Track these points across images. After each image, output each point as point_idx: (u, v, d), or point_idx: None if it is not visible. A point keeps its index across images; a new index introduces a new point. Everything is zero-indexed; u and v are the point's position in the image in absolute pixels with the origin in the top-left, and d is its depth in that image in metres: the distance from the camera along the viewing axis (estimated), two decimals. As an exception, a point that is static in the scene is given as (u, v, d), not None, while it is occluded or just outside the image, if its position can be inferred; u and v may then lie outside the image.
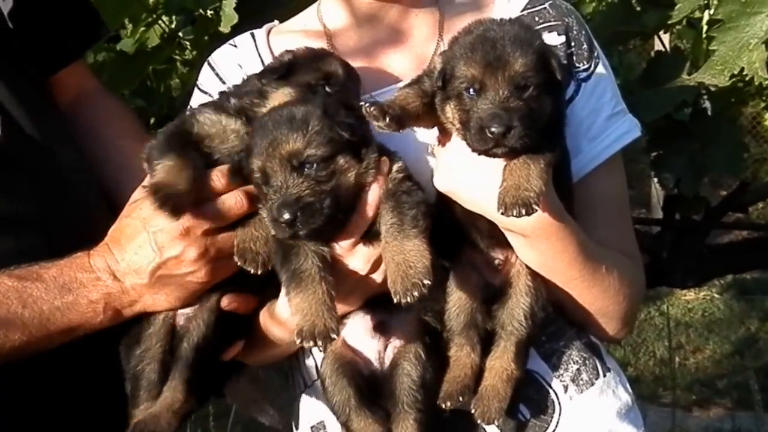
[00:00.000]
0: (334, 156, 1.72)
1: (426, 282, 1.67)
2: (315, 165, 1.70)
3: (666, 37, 3.67)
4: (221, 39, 3.23)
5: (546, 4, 2.12)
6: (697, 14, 3.41)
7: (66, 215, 2.03)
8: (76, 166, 2.19)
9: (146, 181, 1.96)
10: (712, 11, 3.12)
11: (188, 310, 1.97)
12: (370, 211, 1.80)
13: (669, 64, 3.19)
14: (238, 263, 1.85)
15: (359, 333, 1.92)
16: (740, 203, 3.47)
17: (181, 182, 1.79)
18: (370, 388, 1.88)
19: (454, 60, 1.76)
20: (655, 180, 3.52)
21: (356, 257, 1.82)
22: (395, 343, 1.90)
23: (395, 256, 1.72)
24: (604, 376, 2.05)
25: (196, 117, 1.95)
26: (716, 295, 8.68)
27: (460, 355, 1.90)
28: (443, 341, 1.94)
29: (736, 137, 3.17)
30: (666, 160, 3.15)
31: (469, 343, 1.90)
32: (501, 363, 1.87)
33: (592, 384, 2.03)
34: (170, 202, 1.77)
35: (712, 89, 3.09)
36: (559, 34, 2.06)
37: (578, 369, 2.02)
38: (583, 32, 2.11)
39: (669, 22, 3.19)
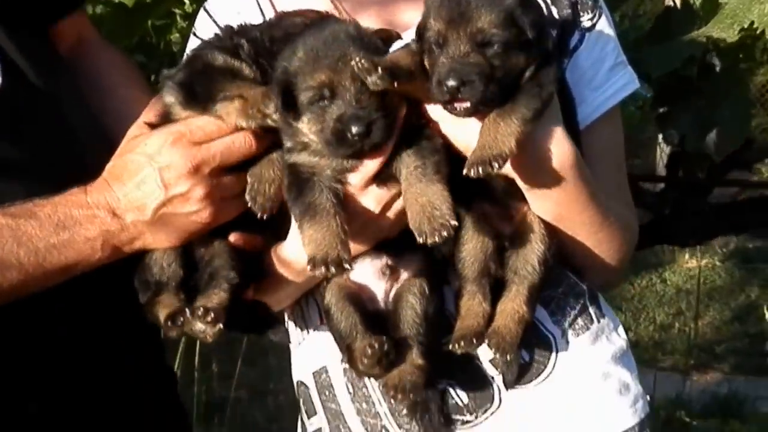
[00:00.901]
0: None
1: (453, 223, 1.68)
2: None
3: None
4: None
5: None
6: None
7: (69, 161, 1.98)
8: (80, 114, 2.16)
9: (143, 119, 1.94)
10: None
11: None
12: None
13: (678, 19, 3.17)
14: (249, 204, 1.83)
15: (367, 275, 1.91)
16: (745, 160, 3.45)
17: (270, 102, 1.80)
18: (375, 324, 1.87)
19: (427, 12, 1.77)
20: (661, 145, 3.49)
21: (368, 196, 1.81)
22: (402, 280, 1.90)
23: (419, 198, 1.72)
24: (599, 321, 2.07)
25: (211, 55, 1.92)
26: (718, 263, 8.70)
27: (472, 304, 1.90)
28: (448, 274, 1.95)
29: (744, 94, 3.16)
30: (672, 117, 3.14)
31: (481, 291, 1.90)
32: (513, 305, 1.88)
33: (588, 329, 2.05)
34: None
35: (721, 45, 3.06)
36: None
37: (575, 315, 2.04)
38: None
39: (679, -25, 3.16)
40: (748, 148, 3.39)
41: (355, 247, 1.84)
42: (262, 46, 1.89)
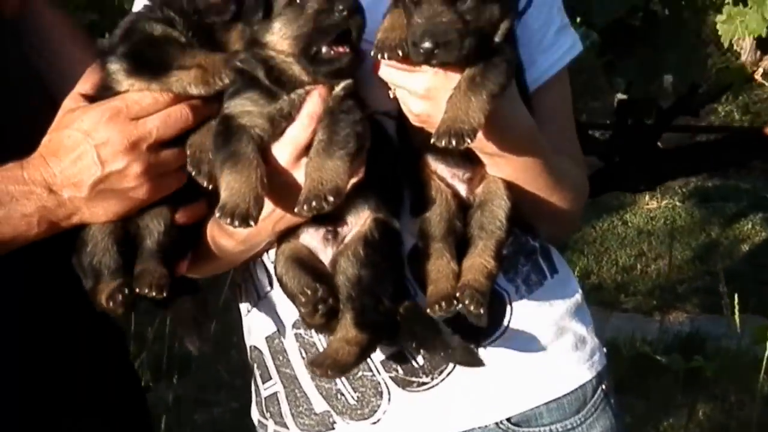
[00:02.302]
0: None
1: (330, 199, 1.69)
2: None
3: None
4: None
5: None
6: None
7: (10, 117, 1.97)
8: (25, 76, 2.14)
9: (79, 90, 1.93)
10: None
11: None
12: (306, 120, 1.81)
13: (621, -34, 3.17)
14: (193, 173, 1.84)
15: (313, 243, 1.92)
16: (691, 106, 3.50)
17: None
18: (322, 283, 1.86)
19: None
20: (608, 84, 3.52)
21: (301, 170, 1.80)
22: (343, 244, 1.90)
23: (313, 172, 1.73)
24: (552, 277, 2.11)
25: (148, 25, 1.91)
26: (678, 203, 8.83)
27: (441, 264, 1.91)
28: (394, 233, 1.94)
29: (688, 41, 3.18)
30: (618, 64, 3.17)
31: (448, 250, 1.91)
32: (481, 261, 1.90)
33: (541, 285, 2.07)
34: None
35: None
36: None
37: (528, 270, 2.07)
38: None
39: None
40: (694, 93, 3.44)
41: (292, 220, 1.87)
42: (189, 18, 1.90)
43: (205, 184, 1.84)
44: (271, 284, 2.08)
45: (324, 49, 1.79)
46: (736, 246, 8.05)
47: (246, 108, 1.81)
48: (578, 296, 2.16)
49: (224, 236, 1.97)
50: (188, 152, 1.86)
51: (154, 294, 1.85)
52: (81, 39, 2.37)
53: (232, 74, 1.82)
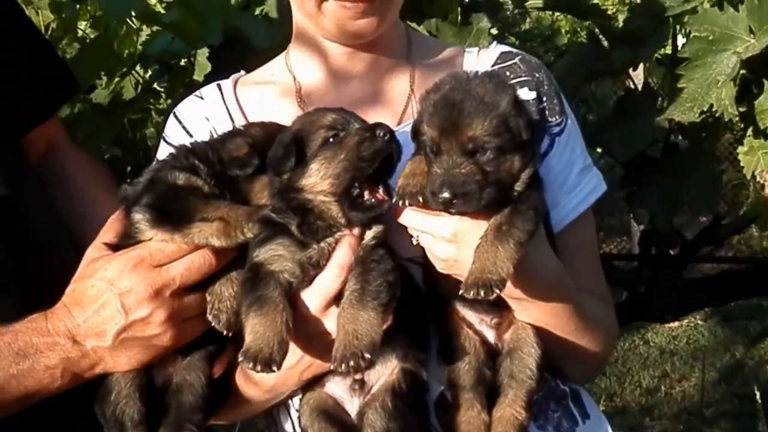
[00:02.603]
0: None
1: (366, 356, 1.68)
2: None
3: (638, 73, 3.72)
4: (196, 87, 3.26)
5: (516, 59, 2.13)
6: (667, 50, 3.46)
7: (42, 276, 2.00)
8: (52, 228, 2.17)
9: (102, 239, 1.94)
10: (679, 49, 3.16)
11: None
12: (337, 271, 1.80)
13: (639, 101, 3.24)
14: (212, 323, 1.83)
15: (339, 391, 1.90)
16: (716, 237, 3.50)
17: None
18: None
19: (421, 116, 1.80)
20: (631, 215, 3.54)
21: (330, 319, 1.81)
22: (370, 394, 1.89)
23: (346, 324, 1.73)
24: (584, 422, 2.08)
25: (171, 175, 1.94)
26: (700, 322, 8.70)
27: (471, 414, 1.89)
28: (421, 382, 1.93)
29: (710, 171, 3.20)
30: (640, 196, 3.18)
31: (479, 400, 1.90)
32: (512, 411, 1.88)
33: (573, 431, 2.04)
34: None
35: (684, 124, 3.13)
36: (530, 90, 2.08)
37: (559, 417, 2.05)
38: (553, 86, 2.13)
39: (636, 59, 3.24)
40: (717, 226, 3.44)
41: (319, 368, 1.85)
42: (213, 168, 1.94)
43: (224, 333, 1.84)
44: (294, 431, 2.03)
45: (366, 195, 1.81)
46: (761, 367, 7.85)
47: (277, 253, 1.81)
48: None
49: (250, 385, 1.94)
50: (208, 301, 1.86)
51: None
52: (103, 180, 2.41)
53: (255, 228, 1.83)
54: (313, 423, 1.87)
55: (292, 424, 2.04)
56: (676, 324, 8.60)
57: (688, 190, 3.13)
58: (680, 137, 3.32)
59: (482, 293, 1.68)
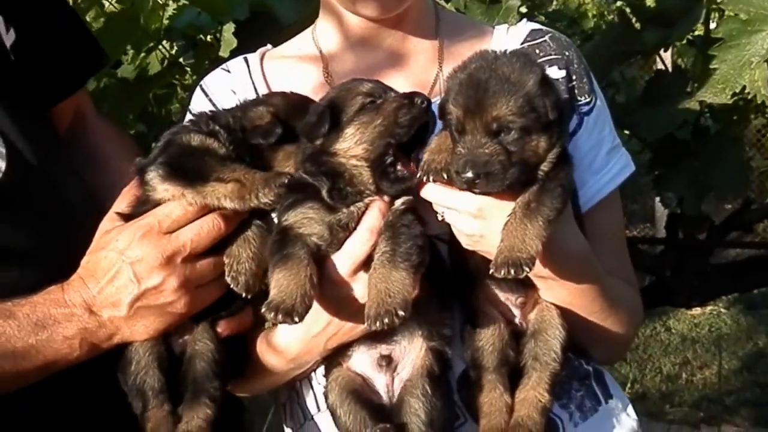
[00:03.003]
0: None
1: (400, 313, 1.67)
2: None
3: (667, 55, 3.67)
4: (221, 63, 3.26)
5: (546, 37, 2.11)
6: (698, 32, 3.41)
7: (71, 248, 2.00)
8: (81, 199, 2.18)
9: (115, 209, 1.94)
10: (712, 29, 3.11)
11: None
12: (367, 234, 1.79)
13: (670, 82, 3.20)
14: (231, 285, 1.83)
15: (365, 366, 1.89)
16: (744, 222, 3.45)
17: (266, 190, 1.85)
18: (380, 417, 1.84)
19: (447, 95, 1.79)
20: (658, 198, 3.50)
21: (359, 283, 1.81)
22: (402, 375, 1.87)
23: (378, 284, 1.72)
24: (607, 402, 2.07)
25: (186, 136, 1.93)
26: (723, 310, 8.62)
27: (494, 396, 1.88)
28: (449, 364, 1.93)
29: (739, 155, 3.17)
30: (668, 180, 3.15)
31: (501, 381, 1.89)
32: (535, 394, 1.87)
33: (596, 410, 2.05)
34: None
35: (715, 107, 3.09)
36: (559, 68, 2.05)
37: (582, 396, 2.04)
38: (583, 65, 2.10)
39: (668, 40, 3.20)
40: (746, 210, 3.39)
41: (346, 335, 1.85)
42: (234, 135, 1.92)
43: (243, 295, 1.83)
44: (318, 407, 2.04)
45: (399, 166, 1.81)
46: (783, 356, 7.79)
47: (307, 216, 1.81)
48: (634, 423, 2.10)
49: (273, 353, 1.94)
50: (226, 264, 1.85)
51: None
52: (129, 151, 2.42)
53: (271, 194, 1.81)
54: (342, 403, 1.86)
55: (315, 397, 2.04)
56: (698, 311, 8.53)
57: (717, 174, 3.10)
58: (710, 120, 3.27)
59: (512, 272, 1.67)
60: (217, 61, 3.32)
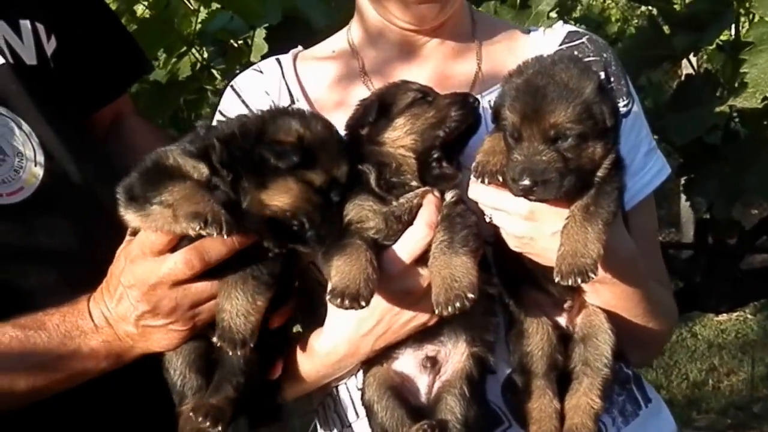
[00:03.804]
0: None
1: (470, 295, 1.68)
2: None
3: (695, 60, 3.66)
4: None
5: (584, 39, 2.10)
6: (727, 36, 3.40)
7: (107, 252, 2.03)
8: (113, 198, 2.21)
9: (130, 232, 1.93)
10: (742, 33, 3.10)
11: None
12: (426, 230, 1.80)
13: (699, 87, 3.18)
14: (217, 344, 1.81)
15: (409, 367, 1.90)
16: (775, 227, 3.43)
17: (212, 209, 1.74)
18: (417, 419, 1.84)
19: (503, 100, 1.77)
20: (683, 198, 3.49)
21: (413, 278, 1.81)
22: (444, 378, 1.88)
23: (441, 270, 1.73)
24: (647, 407, 2.06)
25: (164, 154, 1.87)
26: (750, 316, 8.54)
27: (544, 402, 1.88)
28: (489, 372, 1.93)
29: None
30: (698, 184, 3.13)
31: (550, 387, 1.88)
32: (587, 400, 1.86)
33: (637, 415, 2.04)
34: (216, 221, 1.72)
35: (745, 111, 3.07)
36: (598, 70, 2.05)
37: (623, 400, 2.04)
38: (620, 67, 2.10)
39: (698, 44, 3.19)
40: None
41: (398, 331, 1.85)
42: (235, 143, 1.81)
43: (230, 353, 1.80)
44: (357, 414, 2.03)
45: (444, 163, 1.83)
46: (811, 363, 7.69)
47: (365, 208, 1.83)
48: (673, 427, 2.11)
49: (307, 357, 1.93)
50: (216, 321, 1.82)
51: (208, 425, 1.81)
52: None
53: (198, 227, 1.70)
54: (380, 399, 1.87)
55: (353, 404, 2.03)
56: (725, 317, 8.45)
57: (747, 178, 3.07)
58: (740, 125, 3.26)
59: (578, 280, 1.66)
60: (248, 66, 3.36)
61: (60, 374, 1.88)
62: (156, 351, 1.93)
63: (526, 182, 1.66)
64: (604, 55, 2.08)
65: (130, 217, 1.85)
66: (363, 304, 1.69)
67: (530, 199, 1.70)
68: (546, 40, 2.13)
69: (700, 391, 7.34)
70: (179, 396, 1.93)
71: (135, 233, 1.90)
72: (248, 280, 1.80)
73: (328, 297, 1.71)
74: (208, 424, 1.79)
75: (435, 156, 1.82)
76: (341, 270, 1.72)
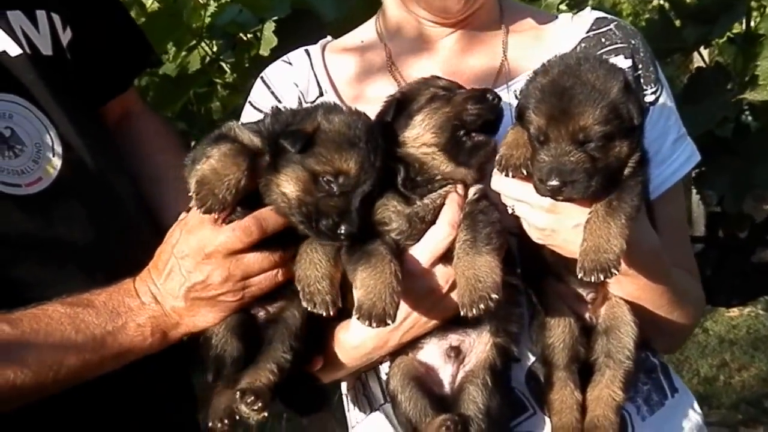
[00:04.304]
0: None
1: (494, 296, 1.68)
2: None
3: (707, 52, 3.64)
4: (261, 62, 3.29)
5: (611, 25, 2.08)
6: (738, 29, 3.38)
7: (124, 243, 2.07)
8: (132, 196, 2.23)
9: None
10: (754, 26, 3.09)
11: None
12: (448, 229, 1.80)
13: (710, 79, 3.16)
14: (307, 308, 1.81)
15: (434, 357, 1.91)
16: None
17: (236, 170, 1.78)
18: (441, 408, 1.85)
19: (527, 101, 1.75)
20: (694, 191, 3.47)
21: (437, 276, 1.82)
22: (467, 368, 1.88)
23: (465, 271, 1.73)
24: (673, 396, 2.05)
25: (236, 131, 1.92)
26: (761, 312, 8.50)
27: (565, 394, 1.87)
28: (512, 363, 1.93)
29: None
30: (709, 177, 3.12)
31: (572, 378, 1.88)
32: (609, 392, 1.86)
33: (663, 404, 2.02)
34: (209, 201, 1.77)
35: (755, 104, 3.06)
36: (626, 57, 2.03)
37: (649, 389, 2.02)
38: (648, 54, 2.07)
39: (709, 37, 3.17)
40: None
41: (424, 326, 1.86)
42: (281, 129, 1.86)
43: (324, 314, 1.80)
44: (384, 398, 2.03)
45: (474, 135, 1.82)
46: (821, 358, 7.65)
47: (389, 209, 1.84)
48: (698, 417, 2.08)
49: (345, 349, 1.92)
50: (298, 288, 1.83)
51: (254, 412, 1.80)
52: (174, 144, 2.47)
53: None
54: (404, 389, 1.87)
55: (382, 387, 2.04)
56: (736, 312, 8.42)
57: (758, 171, 3.06)
58: (751, 118, 3.24)
59: (601, 277, 1.65)
60: (257, 59, 3.37)
61: (108, 351, 1.89)
62: (201, 327, 1.93)
63: (555, 183, 1.65)
64: (632, 41, 2.05)
65: (189, 181, 1.86)
66: (389, 322, 1.70)
67: (558, 200, 1.69)
68: (573, 26, 2.10)
69: (712, 386, 7.31)
70: (217, 363, 1.91)
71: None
72: (325, 246, 1.83)
73: (355, 315, 1.72)
74: (258, 406, 1.79)
75: (462, 134, 1.81)
76: (366, 284, 1.72)
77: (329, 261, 1.83)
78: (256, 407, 1.79)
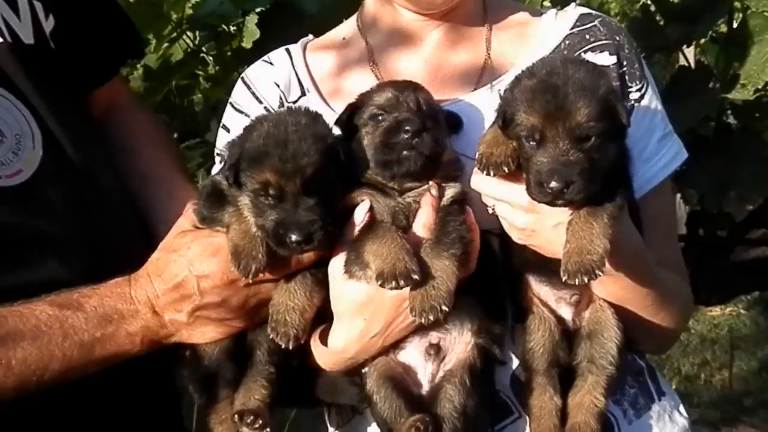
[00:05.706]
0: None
1: (443, 308, 1.66)
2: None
3: (690, 51, 3.64)
4: (244, 54, 3.27)
5: (596, 22, 2.05)
6: (721, 28, 3.39)
7: (106, 236, 2.02)
8: (115, 189, 2.19)
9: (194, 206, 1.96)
10: (735, 25, 3.09)
11: None
12: (422, 231, 1.79)
13: (692, 78, 3.17)
14: (270, 336, 1.81)
15: (414, 356, 1.89)
16: (766, 219, 3.42)
17: (258, 251, 1.77)
18: (418, 407, 1.83)
19: (515, 104, 1.70)
20: (679, 195, 3.47)
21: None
22: (447, 367, 1.86)
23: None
24: (660, 400, 2.02)
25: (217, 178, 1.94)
26: (742, 311, 8.55)
27: (544, 399, 1.85)
28: (494, 365, 1.92)
29: (762, 152, 3.13)
30: (690, 176, 3.11)
31: (551, 384, 1.85)
32: (591, 398, 1.83)
33: (649, 408, 2.00)
34: (248, 268, 1.76)
35: (737, 104, 3.06)
36: (610, 54, 2.00)
37: (635, 393, 1.99)
38: (633, 50, 2.05)
39: (692, 36, 3.17)
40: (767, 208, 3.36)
41: (406, 330, 1.83)
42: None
43: (283, 346, 1.81)
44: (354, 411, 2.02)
45: (405, 152, 1.79)
46: (801, 358, 7.71)
47: (376, 200, 1.84)
48: (685, 421, 2.05)
49: (328, 352, 1.90)
50: (270, 312, 1.83)
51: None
52: (161, 138, 2.43)
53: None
54: (380, 389, 1.85)
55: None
56: (717, 312, 8.47)
57: (739, 171, 3.07)
58: (732, 117, 3.25)
59: (585, 279, 1.62)
60: (239, 52, 3.35)
61: (95, 356, 1.86)
62: (195, 342, 1.91)
63: (556, 184, 1.60)
64: (617, 38, 2.03)
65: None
66: (415, 277, 1.67)
67: (557, 204, 1.64)
68: (558, 23, 2.08)
69: (693, 384, 7.35)
70: (210, 385, 1.92)
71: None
72: (307, 278, 1.83)
73: (378, 282, 1.68)
74: (259, 424, 1.81)
75: (393, 158, 1.81)
76: (380, 253, 1.71)
77: (306, 294, 1.83)
78: (257, 425, 1.80)
